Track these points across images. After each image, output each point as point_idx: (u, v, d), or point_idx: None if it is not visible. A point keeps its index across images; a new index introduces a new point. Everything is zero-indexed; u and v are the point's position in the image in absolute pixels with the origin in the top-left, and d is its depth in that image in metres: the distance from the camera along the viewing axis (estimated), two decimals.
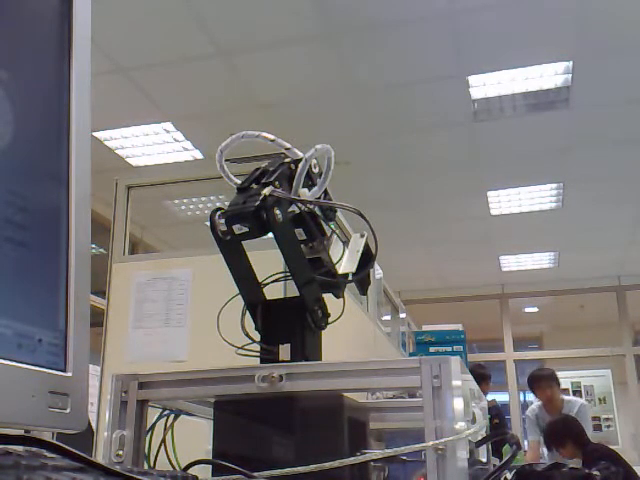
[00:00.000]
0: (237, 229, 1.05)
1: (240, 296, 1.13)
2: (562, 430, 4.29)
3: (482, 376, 5.65)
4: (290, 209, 1.10)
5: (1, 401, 0.47)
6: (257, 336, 1.13)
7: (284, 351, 1.08)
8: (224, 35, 4.14)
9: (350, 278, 1.20)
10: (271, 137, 1.14)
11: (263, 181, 1.09)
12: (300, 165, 1.09)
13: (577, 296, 9.17)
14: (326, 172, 1.13)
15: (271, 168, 1.12)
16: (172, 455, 1.11)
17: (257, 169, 1.13)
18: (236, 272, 1.11)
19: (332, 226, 1.20)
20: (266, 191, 1.04)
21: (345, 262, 1.21)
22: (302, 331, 1.10)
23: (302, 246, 1.17)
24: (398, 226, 6.98)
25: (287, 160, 1.14)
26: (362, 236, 1.24)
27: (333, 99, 4.84)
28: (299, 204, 1.10)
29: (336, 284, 1.19)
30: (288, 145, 1.14)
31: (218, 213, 1.07)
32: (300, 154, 1.13)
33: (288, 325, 1.11)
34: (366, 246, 1.23)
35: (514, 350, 9.22)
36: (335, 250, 1.21)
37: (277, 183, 1.08)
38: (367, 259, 1.22)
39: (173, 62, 4.39)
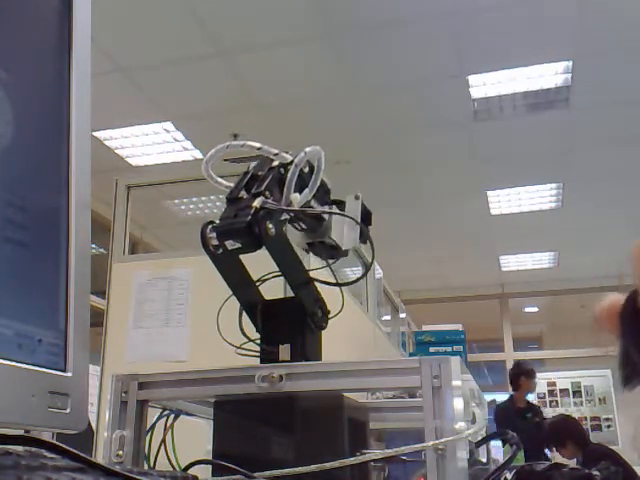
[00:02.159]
0: (230, 244, 1.03)
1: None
2: (563, 430, 4.29)
3: (528, 373, 5.64)
4: (283, 217, 1.10)
5: (1, 401, 0.47)
6: (256, 336, 1.13)
7: (284, 351, 1.08)
8: (224, 35, 4.14)
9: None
10: (257, 145, 1.11)
11: (253, 191, 1.06)
12: (290, 171, 1.08)
13: (577, 296, 9.18)
14: (316, 174, 1.12)
15: (260, 173, 1.10)
16: (172, 455, 1.11)
17: (246, 173, 1.11)
18: (231, 281, 1.11)
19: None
20: (257, 203, 1.01)
21: (347, 236, 1.20)
22: (302, 331, 1.10)
23: (303, 233, 1.18)
24: (398, 226, 6.98)
25: (275, 164, 1.11)
26: (357, 198, 1.22)
27: (333, 99, 4.84)
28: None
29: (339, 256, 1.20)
30: (275, 151, 1.11)
31: (209, 227, 1.04)
32: (289, 157, 1.11)
33: (288, 325, 1.11)
34: (363, 207, 1.22)
35: (514, 350, 9.22)
36: (337, 225, 1.21)
37: (267, 193, 1.05)
38: (365, 218, 1.22)
39: (173, 62, 4.39)
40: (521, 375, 5.73)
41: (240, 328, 1.13)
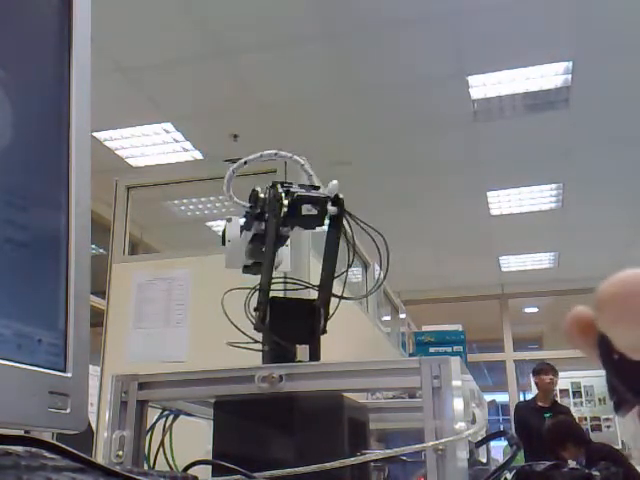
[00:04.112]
0: (306, 209, 1.11)
1: (252, 288, 1.14)
2: (561, 432, 4.27)
3: (533, 372, 5.74)
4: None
5: (1, 401, 0.47)
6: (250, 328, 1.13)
7: (302, 352, 1.09)
8: (224, 35, 4.14)
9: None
10: (301, 161, 1.25)
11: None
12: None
13: (577, 296, 9.17)
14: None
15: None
16: (172, 456, 1.11)
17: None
18: (271, 259, 1.12)
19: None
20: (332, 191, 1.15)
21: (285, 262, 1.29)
22: (318, 333, 1.12)
23: (254, 249, 1.25)
24: (398, 226, 6.97)
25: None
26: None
27: (333, 99, 4.84)
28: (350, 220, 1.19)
29: None
30: (311, 172, 1.26)
31: (282, 190, 1.13)
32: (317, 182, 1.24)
33: (311, 326, 1.12)
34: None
35: (514, 350, 9.22)
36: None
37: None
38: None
39: (173, 62, 4.39)
40: (532, 375, 5.91)
41: (256, 318, 1.11)
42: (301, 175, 1.26)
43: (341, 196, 1.17)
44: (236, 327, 1.12)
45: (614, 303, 0.37)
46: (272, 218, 1.12)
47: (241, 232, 1.26)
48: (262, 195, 1.16)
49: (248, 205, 1.19)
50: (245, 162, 1.20)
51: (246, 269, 1.26)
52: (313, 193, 1.14)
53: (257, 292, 1.11)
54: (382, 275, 1.26)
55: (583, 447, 4.14)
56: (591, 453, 4.03)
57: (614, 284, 0.38)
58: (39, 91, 0.57)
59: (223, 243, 1.28)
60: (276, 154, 1.21)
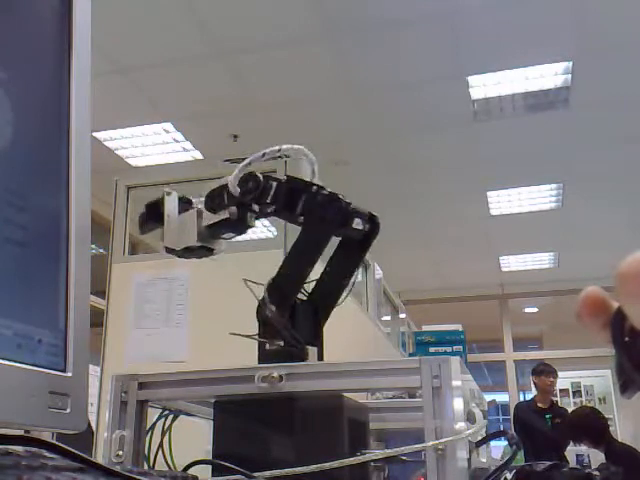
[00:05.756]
0: (356, 223, 1.12)
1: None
2: (580, 424, 4.23)
3: (533, 372, 5.76)
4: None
5: (1, 401, 0.47)
6: (251, 328, 1.12)
7: (312, 353, 1.09)
8: (224, 35, 4.14)
9: None
10: (307, 151, 1.20)
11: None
12: None
13: (577, 296, 9.13)
14: None
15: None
16: (170, 456, 1.11)
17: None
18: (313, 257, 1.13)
19: None
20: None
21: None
22: (322, 333, 1.12)
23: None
24: (398, 226, 6.97)
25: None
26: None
27: (333, 99, 4.84)
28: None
29: None
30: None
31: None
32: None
33: (320, 327, 1.12)
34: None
35: (514, 350, 9.22)
36: None
37: None
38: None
39: (173, 62, 4.39)
40: (532, 375, 5.91)
41: (270, 312, 1.09)
42: (303, 170, 1.21)
43: (376, 214, 1.16)
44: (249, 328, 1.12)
45: (635, 279, 0.38)
46: (326, 223, 1.10)
47: (180, 209, 1.18)
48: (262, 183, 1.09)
49: (239, 191, 1.11)
50: (250, 162, 1.12)
51: (186, 251, 1.19)
52: (359, 208, 1.14)
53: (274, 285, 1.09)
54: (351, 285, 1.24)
55: (602, 438, 4.09)
56: (613, 453, 3.97)
57: (636, 260, 0.38)
58: (39, 91, 0.57)
59: (159, 218, 1.19)
60: (279, 150, 1.14)
